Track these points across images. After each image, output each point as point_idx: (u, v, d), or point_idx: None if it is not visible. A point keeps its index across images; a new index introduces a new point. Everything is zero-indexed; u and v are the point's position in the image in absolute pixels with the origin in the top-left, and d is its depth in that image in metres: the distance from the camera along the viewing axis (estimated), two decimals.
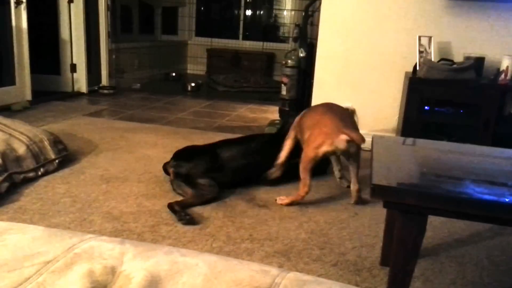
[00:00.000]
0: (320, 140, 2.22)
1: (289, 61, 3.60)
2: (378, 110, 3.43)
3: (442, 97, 2.97)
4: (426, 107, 3.00)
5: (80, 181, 2.47)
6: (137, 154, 2.99)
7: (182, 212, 2.09)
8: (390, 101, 3.38)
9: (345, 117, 2.37)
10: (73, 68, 4.89)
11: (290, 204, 2.31)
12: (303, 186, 2.27)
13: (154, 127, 3.76)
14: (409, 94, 2.92)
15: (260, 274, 0.74)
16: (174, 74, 6.51)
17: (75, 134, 3.35)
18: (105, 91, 5.05)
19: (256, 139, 2.71)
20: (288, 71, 3.61)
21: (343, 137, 2.19)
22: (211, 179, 2.36)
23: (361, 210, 2.31)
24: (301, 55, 3.64)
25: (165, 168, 2.57)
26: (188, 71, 7.54)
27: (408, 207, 1.23)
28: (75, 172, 2.60)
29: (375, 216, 2.24)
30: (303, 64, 3.64)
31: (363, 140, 2.19)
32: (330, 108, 2.43)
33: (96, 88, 5.11)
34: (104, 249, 0.79)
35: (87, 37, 4.91)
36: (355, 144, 2.23)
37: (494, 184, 1.33)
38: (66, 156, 2.73)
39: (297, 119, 2.54)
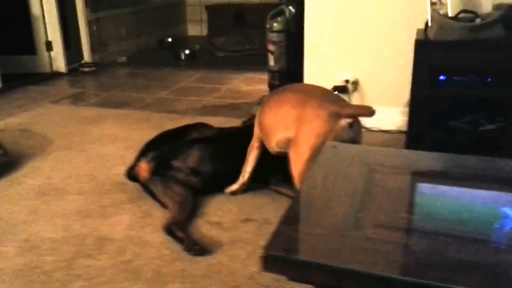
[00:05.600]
0: (316, 137, 1.69)
1: (275, 24, 3.17)
2: (386, 81, 2.98)
3: (461, 62, 2.47)
4: (441, 77, 2.52)
5: (11, 195, 2.25)
6: (91, 153, 2.73)
7: (189, 240, 1.81)
8: (400, 68, 2.90)
9: (329, 93, 1.94)
10: (49, 46, 4.65)
11: None
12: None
13: (125, 113, 3.48)
14: (416, 61, 2.45)
15: None
16: (170, 39, 6.14)
17: (31, 129, 3.13)
18: (86, 69, 4.80)
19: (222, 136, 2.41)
20: (274, 37, 3.20)
21: (344, 122, 1.69)
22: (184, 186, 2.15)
23: None
24: (290, 14, 3.18)
25: (130, 173, 2.26)
26: (190, 34, 7.17)
27: None
28: (12, 182, 2.38)
29: None
30: (293, 26, 3.20)
31: (372, 112, 1.69)
32: (302, 90, 1.94)
33: (78, 66, 4.87)
34: None
35: (62, 10, 4.64)
36: (356, 124, 1.75)
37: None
38: (7, 162, 2.52)
39: (256, 117, 2.09)
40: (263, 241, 1.82)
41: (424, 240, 1.00)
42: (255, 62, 5.05)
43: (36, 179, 2.41)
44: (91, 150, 2.78)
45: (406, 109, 2.91)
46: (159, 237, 1.88)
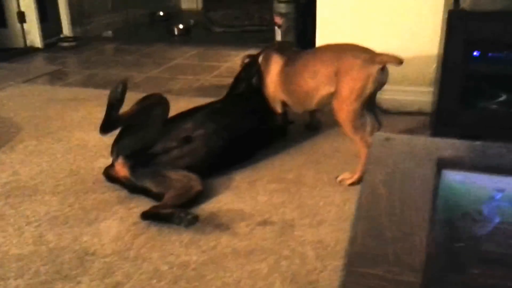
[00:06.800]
0: (358, 83, 1.94)
1: None
2: (408, 59, 2.63)
3: (499, 36, 2.21)
4: (475, 53, 2.25)
5: None
6: (69, 141, 2.40)
7: (177, 211, 1.62)
8: (425, 43, 2.63)
9: (357, 46, 2.08)
10: (21, 17, 4.25)
11: (358, 180, 1.94)
12: (364, 146, 1.95)
13: None
14: (449, 34, 2.19)
15: None
16: (162, 13, 5.78)
17: None
18: (65, 44, 4.42)
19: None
20: (281, 7, 2.88)
21: (377, 67, 1.93)
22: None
23: None
24: None
25: (108, 173, 1.97)
26: (183, 6, 6.79)
27: None
28: None
29: None
30: None
31: (400, 61, 1.92)
32: (332, 47, 2.18)
33: (55, 41, 4.49)
34: None
35: None
36: (386, 72, 1.99)
37: None
38: None
39: (274, 73, 2.23)
40: (287, 251, 1.53)
41: None
42: (256, 38, 4.71)
43: None
44: (70, 138, 2.44)
45: (429, 89, 2.68)
46: (156, 249, 1.56)
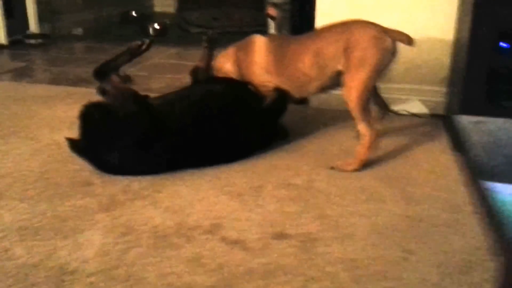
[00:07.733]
0: (374, 55, 1.78)
1: None
2: (417, 55, 2.43)
3: None
4: (503, 44, 2.02)
5: None
6: (39, 141, 2.06)
7: None
8: (435, 39, 2.41)
9: (364, 20, 1.90)
10: None
11: (359, 167, 1.79)
12: (370, 131, 1.77)
13: (85, 92, 2.78)
14: (475, 21, 1.95)
15: None
16: (134, 13, 5.44)
17: None
18: (32, 41, 4.03)
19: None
20: None
21: (391, 40, 1.80)
22: None
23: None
24: None
25: (73, 142, 1.80)
26: (156, 9, 6.46)
27: None
28: None
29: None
30: None
31: (411, 41, 1.82)
32: (337, 25, 1.93)
33: (21, 38, 4.10)
34: None
35: None
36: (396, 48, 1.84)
37: None
38: None
39: (261, 55, 2.02)
40: (315, 271, 1.23)
41: None
42: (237, 39, 4.44)
43: None
44: (40, 138, 2.09)
45: (442, 89, 2.45)
46: (151, 267, 1.24)
